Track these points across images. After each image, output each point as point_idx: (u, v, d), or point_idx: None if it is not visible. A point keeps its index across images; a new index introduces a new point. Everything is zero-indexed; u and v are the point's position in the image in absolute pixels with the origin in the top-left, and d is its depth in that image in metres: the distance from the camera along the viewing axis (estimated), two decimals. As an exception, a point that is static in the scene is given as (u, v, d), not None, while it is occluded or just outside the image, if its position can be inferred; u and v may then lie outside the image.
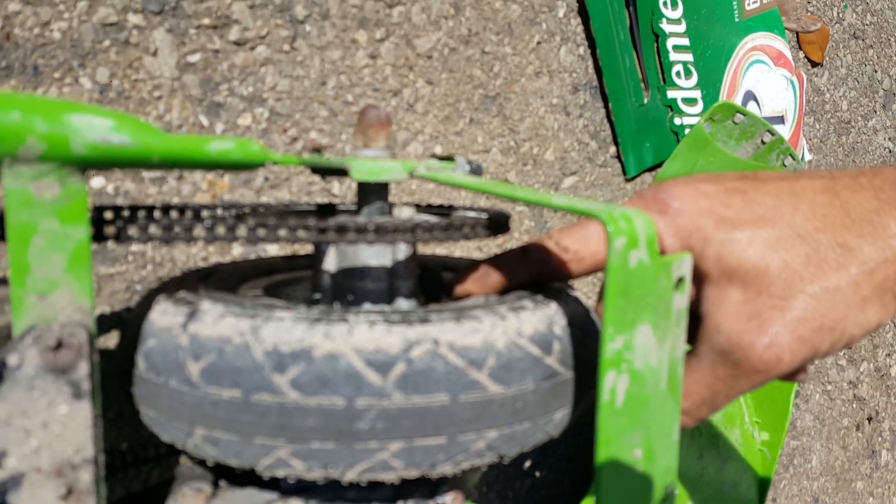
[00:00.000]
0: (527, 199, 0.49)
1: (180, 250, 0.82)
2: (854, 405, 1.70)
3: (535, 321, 0.51)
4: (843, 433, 1.68)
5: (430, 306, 0.59)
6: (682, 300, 0.49)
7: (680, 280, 0.49)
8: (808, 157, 1.57)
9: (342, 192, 0.95)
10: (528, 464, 1.10)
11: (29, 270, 0.42)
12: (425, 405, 0.45)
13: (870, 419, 1.77)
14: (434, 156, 0.70)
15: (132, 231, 0.48)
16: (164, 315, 0.50)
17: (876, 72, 1.77)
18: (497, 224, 0.60)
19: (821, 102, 1.64)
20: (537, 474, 1.12)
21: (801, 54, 1.63)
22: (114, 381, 0.55)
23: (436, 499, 0.57)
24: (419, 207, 0.74)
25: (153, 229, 0.48)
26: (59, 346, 0.43)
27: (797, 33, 1.64)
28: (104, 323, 0.77)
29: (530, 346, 0.49)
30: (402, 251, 0.63)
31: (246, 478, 0.58)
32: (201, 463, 0.59)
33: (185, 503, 0.54)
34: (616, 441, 0.45)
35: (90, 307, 0.44)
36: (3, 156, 0.40)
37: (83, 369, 0.44)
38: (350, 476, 0.47)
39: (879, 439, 1.78)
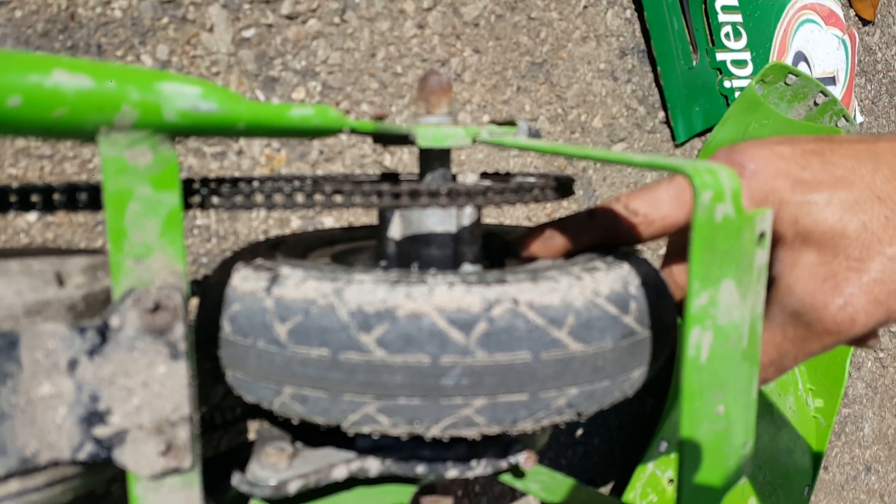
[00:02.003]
0: (604, 158, 0.49)
1: (242, 223, 0.83)
2: (907, 372, 1.68)
3: (611, 281, 0.52)
4: None
5: (508, 268, 0.60)
6: (763, 256, 0.48)
7: (762, 235, 0.48)
8: (859, 118, 1.53)
9: (394, 164, 0.96)
10: (579, 432, 1.11)
11: (126, 235, 0.43)
12: (508, 362, 0.46)
13: (923, 386, 1.74)
14: (494, 121, 0.70)
15: (215, 200, 0.49)
16: (246, 280, 0.52)
17: (930, 29, 1.71)
18: (564, 187, 0.60)
19: (872, 62, 1.59)
20: (590, 443, 1.13)
21: (852, 12, 1.58)
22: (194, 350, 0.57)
23: (508, 458, 0.58)
24: (483, 174, 0.74)
25: (237, 198, 0.49)
26: (156, 308, 0.44)
27: (847, -9, 1.59)
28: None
29: (608, 306, 0.50)
30: (468, 217, 0.64)
31: (323, 438, 0.60)
32: (282, 424, 0.61)
33: (268, 461, 0.56)
34: (700, 397, 0.45)
35: (183, 271, 0.45)
36: (99, 124, 0.41)
37: (179, 330, 0.45)
38: (434, 431, 0.48)
39: (932, 407, 1.75)
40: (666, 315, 0.54)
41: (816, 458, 1.18)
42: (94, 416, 0.44)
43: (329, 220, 0.91)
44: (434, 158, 0.65)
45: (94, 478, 0.52)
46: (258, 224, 0.84)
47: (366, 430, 0.48)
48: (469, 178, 0.66)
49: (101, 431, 0.45)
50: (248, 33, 0.84)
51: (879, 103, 1.60)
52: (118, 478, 0.55)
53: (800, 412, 1.21)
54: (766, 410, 1.16)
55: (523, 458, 0.58)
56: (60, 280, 0.49)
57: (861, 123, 1.55)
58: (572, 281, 0.50)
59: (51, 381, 0.44)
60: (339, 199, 0.52)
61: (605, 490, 1.15)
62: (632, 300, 0.51)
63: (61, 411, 0.44)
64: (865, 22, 1.60)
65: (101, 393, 0.44)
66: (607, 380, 0.49)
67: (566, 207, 1.11)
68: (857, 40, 1.53)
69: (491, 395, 0.46)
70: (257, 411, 0.67)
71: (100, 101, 0.40)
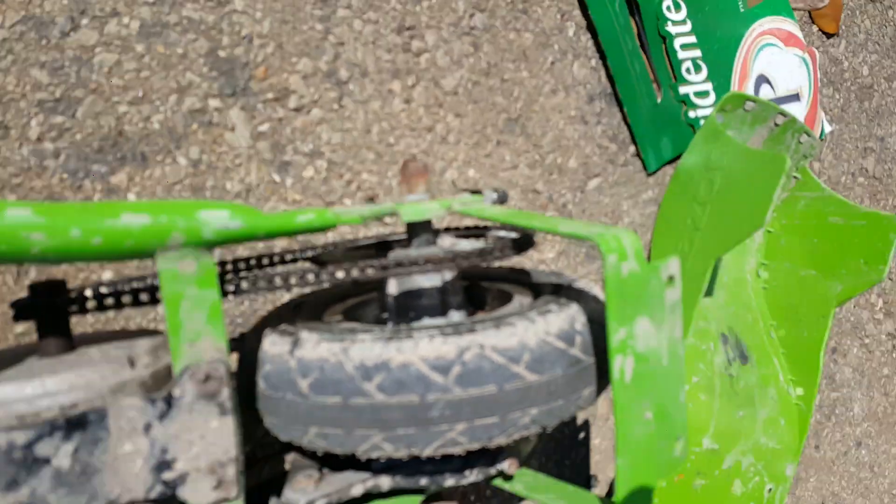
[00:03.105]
0: (539, 228, 0.63)
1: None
2: (894, 355, 1.76)
3: (560, 321, 0.65)
4: (884, 381, 1.75)
5: (476, 315, 0.73)
6: (673, 293, 0.62)
7: (670, 278, 0.62)
8: (828, 128, 1.64)
9: (392, 221, 1.10)
10: (581, 435, 1.24)
11: (181, 326, 0.58)
12: (479, 394, 0.60)
13: (914, 367, 1.82)
14: (465, 190, 0.85)
15: (244, 286, 0.64)
16: (273, 345, 0.66)
17: None
18: (522, 244, 0.74)
19: (839, 72, 1.70)
20: (591, 443, 1.25)
21: (815, 28, 1.70)
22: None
23: (496, 466, 0.72)
24: (458, 231, 0.88)
25: (261, 283, 0.64)
26: (207, 378, 0.59)
27: (808, 10, 1.71)
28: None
29: (557, 342, 0.63)
30: (449, 273, 0.78)
31: (344, 464, 0.74)
32: (311, 456, 0.75)
33: (300, 487, 0.70)
34: (629, 408, 0.59)
35: (225, 347, 0.60)
36: (157, 247, 0.56)
37: (225, 393, 0.60)
38: (427, 452, 0.61)
39: (926, 385, 1.84)
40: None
41: (798, 441, 1.29)
42: (163, 465, 0.59)
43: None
44: (418, 227, 0.79)
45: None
46: (282, 287, 1.00)
47: (375, 455, 0.62)
48: (447, 241, 0.80)
49: (168, 475, 0.59)
50: (263, 128, 1.00)
51: (849, 110, 1.71)
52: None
53: (781, 401, 1.32)
54: (749, 402, 1.28)
55: (507, 465, 0.71)
56: (132, 362, 0.64)
57: (831, 132, 1.66)
58: (528, 324, 0.64)
59: (131, 441, 0.59)
60: (340, 275, 0.66)
61: (606, 485, 1.27)
62: (577, 335, 0.65)
63: (139, 463, 0.59)
64: (829, 35, 1.72)
65: (169, 446, 0.59)
66: (561, 399, 0.63)
67: (551, 240, 1.24)
68: (819, 55, 1.64)
69: (469, 420, 0.60)
70: (290, 445, 0.81)
71: (156, 232, 0.56)
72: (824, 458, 1.62)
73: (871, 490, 1.74)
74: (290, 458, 0.80)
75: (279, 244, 1.01)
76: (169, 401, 0.59)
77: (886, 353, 1.73)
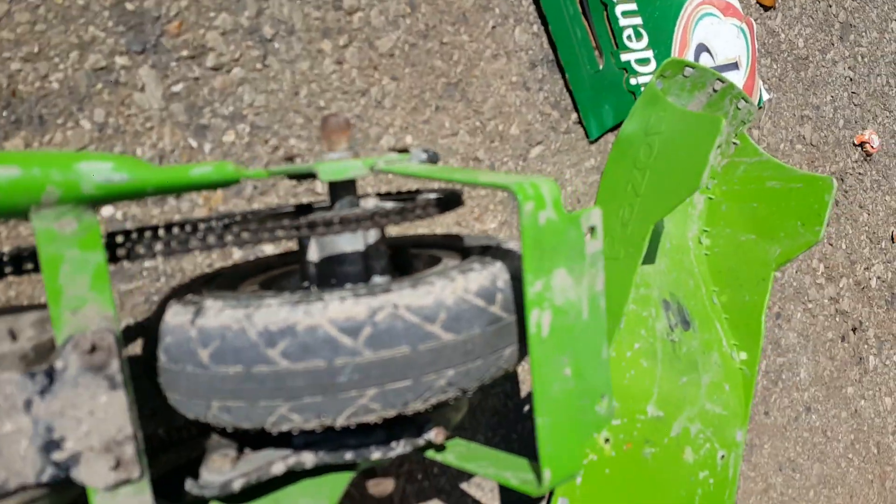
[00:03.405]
0: (458, 180, 0.59)
1: (188, 261, 0.93)
2: (837, 319, 1.79)
3: (481, 279, 0.62)
4: (829, 345, 1.77)
5: (397, 278, 0.69)
6: (595, 245, 0.59)
7: (592, 228, 0.59)
8: (766, 96, 1.64)
9: (325, 190, 1.06)
10: (527, 408, 1.21)
11: (62, 292, 0.53)
12: (391, 356, 0.56)
13: (854, 330, 1.85)
14: (394, 149, 0.80)
15: (139, 250, 0.59)
16: (175, 315, 0.61)
17: (830, 6, 1.82)
18: (447, 202, 0.70)
19: (776, 43, 1.70)
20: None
21: (753, 1, 1.69)
22: (146, 380, 0.66)
23: (423, 436, 0.68)
24: (387, 196, 0.84)
25: (157, 246, 0.59)
26: (93, 349, 0.54)
27: (748, -22, 1.70)
28: (131, 332, 0.89)
29: (475, 300, 0.60)
30: (372, 236, 0.74)
31: (264, 441, 0.69)
32: (225, 434, 0.71)
33: (214, 466, 0.66)
34: (546, 364, 0.56)
35: (114, 315, 0.55)
36: (30, 204, 0.51)
37: (115, 365, 0.55)
38: (340, 421, 0.57)
39: (866, 346, 1.87)
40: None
41: (745, 406, 1.29)
42: (51, 444, 0.54)
43: (269, 248, 1.01)
44: (341, 188, 0.75)
45: (61, 497, 0.61)
46: (203, 259, 0.94)
47: (285, 428, 0.58)
48: (369, 203, 0.76)
49: (58, 456, 0.54)
50: (178, 88, 0.94)
51: (786, 79, 1.71)
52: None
53: (725, 366, 1.32)
54: (692, 368, 1.27)
55: (434, 434, 0.68)
56: (13, 335, 0.58)
57: (769, 100, 1.66)
58: (446, 283, 0.60)
59: (11, 419, 0.53)
60: (246, 236, 0.62)
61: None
62: (498, 292, 0.61)
63: (23, 444, 0.54)
64: (766, 8, 1.71)
65: (55, 424, 0.54)
66: (480, 359, 0.60)
67: (492, 210, 1.21)
68: (757, 26, 1.64)
69: (379, 384, 0.56)
70: (209, 426, 0.76)
71: (28, 186, 0.50)
72: (775, 423, 1.63)
73: (826, 455, 1.77)
74: (211, 439, 0.75)
75: (200, 216, 0.95)
76: (51, 374, 0.54)
77: (829, 317, 1.75)
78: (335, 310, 0.57)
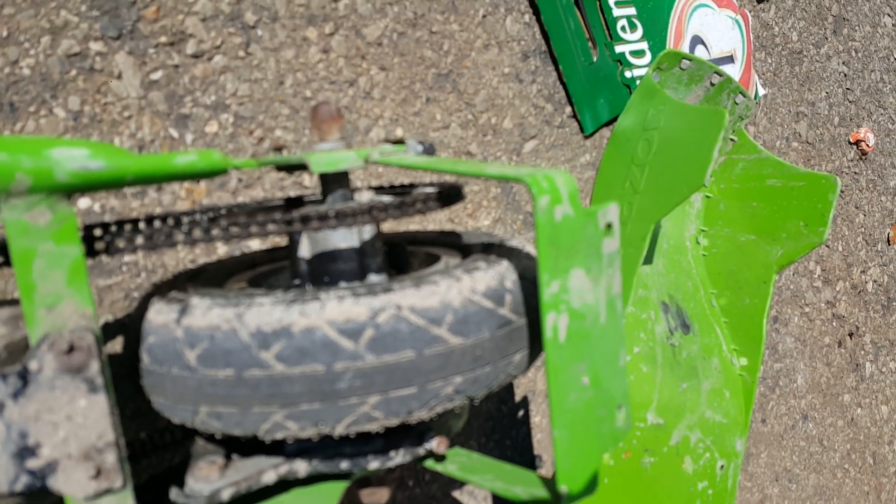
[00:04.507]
0: (465, 172, 0.55)
1: (170, 256, 0.88)
2: (834, 323, 1.78)
3: (488, 278, 0.58)
4: (826, 351, 1.76)
5: (397, 277, 0.65)
6: (612, 243, 0.55)
7: (608, 226, 0.55)
8: (761, 91, 1.63)
9: (313, 183, 1.01)
10: (521, 413, 1.18)
11: (35, 288, 0.48)
12: (395, 361, 0.52)
13: (851, 335, 1.84)
14: (388, 140, 0.76)
15: (120, 243, 0.54)
16: (159, 314, 0.57)
17: None
18: (448, 196, 0.66)
19: (770, 37, 1.69)
20: (532, 422, 1.19)
21: (747, -8, 1.68)
22: (126, 380, 0.61)
23: (423, 445, 0.64)
24: (381, 189, 0.80)
25: (138, 239, 0.54)
26: (71, 349, 0.49)
27: (740, -28, 1.68)
28: (110, 330, 0.83)
29: (484, 301, 0.56)
30: (368, 232, 0.70)
31: (254, 448, 0.65)
32: (213, 439, 0.66)
33: (201, 475, 0.61)
34: (563, 371, 0.52)
35: (93, 313, 0.50)
36: (-2, 192, 0.46)
37: (94, 367, 0.50)
38: (339, 430, 0.53)
39: (862, 353, 1.86)
40: (544, 302, 0.61)
41: (745, 414, 1.26)
42: (25, 451, 0.49)
43: (255, 244, 0.96)
44: (332, 181, 0.70)
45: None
46: (185, 254, 0.89)
47: (279, 436, 0.54)
48: (364, 197, 0.72)
49: (33, 464, 0.49)
50: (157, 76, 0.89)
51: (781, 74, 1.69)
52: None
53: (725, 372, 1.29)
54: (692, 373, 1.24)
55: (436, 444, 0.64)
56: (-18, 333, 0.53)
57: (764, 95, 1.64)
58: (451, 283, 0.56)
59: (-19, 425, 0.49)
60: (235, 230, 0.57)
61: (552, 466, 1.22)
62: (507, 293, 0.57)
63: (-4, 451, 0.49)
64: (760, 0, 1.70)
65: (29, 430, 0.49)
66: (489, 366, 0.56)
67: (486, 206, 1.17)
68: (752, 18, 1.62)
69: (383, 391, 0.52)
70: (194, 430, 0.72)
71: (-5, 172, 0.45)
72: (772, 431, 1.61)
73: (823, 465, 1.75)
74: (196, 443, 0.70)
75: (182, 208, 0.90)
76: (24, 376, 0.49)
77: (826, 321, 1.74)
78: (334, 310, 0.53)
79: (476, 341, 0.54)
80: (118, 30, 0.84)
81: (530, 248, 0.70)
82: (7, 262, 0.53)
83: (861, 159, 1.81)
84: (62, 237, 0.48)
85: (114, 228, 0.54)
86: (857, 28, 1.87)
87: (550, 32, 1.24)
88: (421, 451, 0.65)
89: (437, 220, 1.13)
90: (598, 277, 0.54)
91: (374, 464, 0.64)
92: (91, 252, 0.53)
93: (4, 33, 0.78)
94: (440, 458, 0.70)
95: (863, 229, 1.85)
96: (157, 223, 0.57)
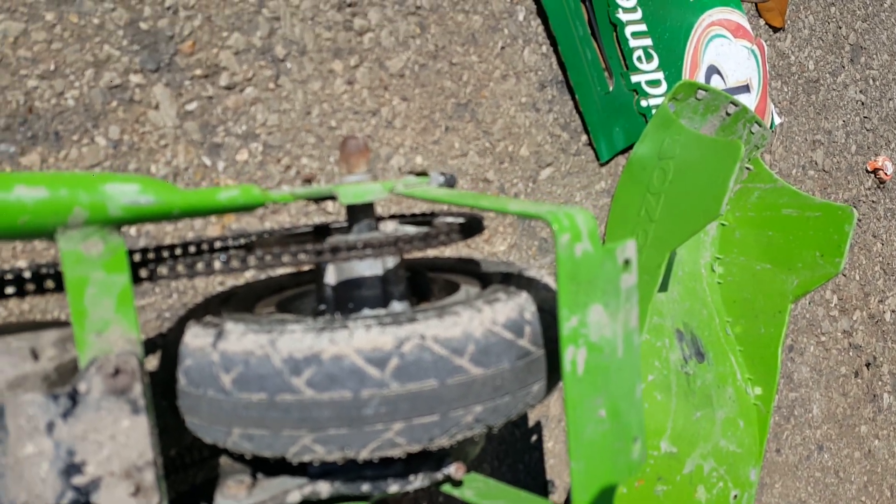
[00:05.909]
0: (488, 208, 0.58)
1: (199, 278, 0.91)
2: (850, 353, 1.78)
3: (508, 310, 0.60)
4: (842, 381, 1.76)
5: (420, 305, 0.68)
6: (629, 279, 0.58)
7: (626, 262, 0.58)
8: (777, 120, 1.65)
9: (336, 208, 1.04)
10: (534, 438, 1.20)
11: (87, 314, 0.52)
12: (418, 390, 0.55)
13: (868, 365, 1.84)
14: (411, 172, 0.79)
15: (163, 271, 0.58)
16: (196, 337, 0.60)
17: (840, 28, 1.84)
18: (470, 228, 0.69)
19: (786, 66, 1.71)
20: (545, 447, 1.21)
21: (762, 22, 1.70)
22: (158, 397, 0.65)
23: (442, 470, 0.67)
24: (404, 217, 0.83)
25: (180, 268, 0.58)
26: (116, 372, 0.52)
27: (755, 3, 1.71)
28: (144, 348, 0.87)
29: (504, 332, 0.58)
30: (391, 261, 0.73)
31: (279, 468, 0.68)
32: (240, 459, 0.69)
33: (230, 493, 0.64)
34: (581, 404, 0.54)
35: (137, 338, 0.54)
36: (56, 225, 0.49)
37: (138, 389, 0.53)
38: (364, 454, 0.56)
39: (880, 383, 1.86)
40: (562, 333, 0.63)
41: (759, 444, 1.27)
42: (71, 468, 0.52)
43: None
44: (359, 211, 0.74)
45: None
46: (214, 277, 0.93)
47: (306, 458, 0.57)
48: (389, 227, 0.75)
49: (78, 480, 0.53)
50: (191, 106, 0.93)
51: (797, 103, 1.72)
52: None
53: (740, 401, 1.30)
54: (707, 402, 1.26)
55: (454, 469, 0.66)
56: (35, 355, 0.57)
57: (780, 124, 1.67)
58: (473, 314, 0.59)
59: (33, 441, 0.52)
60: (269, 260, 0.60)
61: (564, 491, 1.24)
62: (526, 325, 0.60)
63: (44, 466, 0.52)
64: (776, 29, 1.72)
65: (76, 448, 0.52)
66: (508, 396, 0.58)
67: (502, 233, 1.20)
68: (767, 48, 1.65)
69: (407, 418, 0.55)
70: (221, 449, 0.75)
71: (55, 207, 0.49)
72: (787, 462, 1.61)
73: (838, 497, 1.74)
74: (223, 462, 0.73)
75: (212, 232, 0.94)
76: (74, 397, 0.52)
77: (843, 350, 1.74)
78: (361, 339, 0.55)
79: (496, 371, 0.57)
80: (156, 63, 0.89)
81: (548, 279, 0.73)
82: (57, 287, 0.56)
83: (879, 188, 1.82)
84: (112, 266, 0.52)
85: (155, 256, 0.57)
86: (874, 56, 1.89)
87: (567, 63, 1.27)
88: (439, 476, 0.68)
89: (454, 245, 1.16)
90: (616, 312, 0.56)
91: (393, 487, 0.66)
92: (136, 279, 0.57)
93: (52, 67, 0.82)
94: (457, 483, 0.72)
95: (881, 258, 1.85)
96: (194, 250, 0.60)
